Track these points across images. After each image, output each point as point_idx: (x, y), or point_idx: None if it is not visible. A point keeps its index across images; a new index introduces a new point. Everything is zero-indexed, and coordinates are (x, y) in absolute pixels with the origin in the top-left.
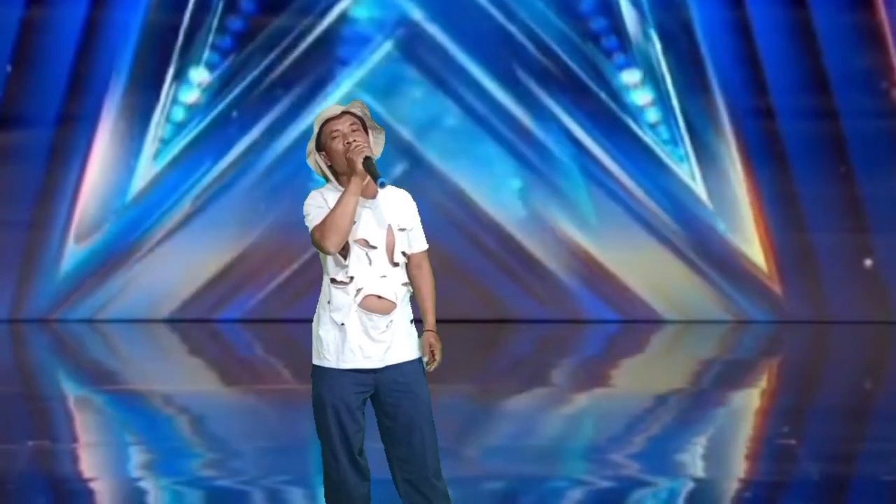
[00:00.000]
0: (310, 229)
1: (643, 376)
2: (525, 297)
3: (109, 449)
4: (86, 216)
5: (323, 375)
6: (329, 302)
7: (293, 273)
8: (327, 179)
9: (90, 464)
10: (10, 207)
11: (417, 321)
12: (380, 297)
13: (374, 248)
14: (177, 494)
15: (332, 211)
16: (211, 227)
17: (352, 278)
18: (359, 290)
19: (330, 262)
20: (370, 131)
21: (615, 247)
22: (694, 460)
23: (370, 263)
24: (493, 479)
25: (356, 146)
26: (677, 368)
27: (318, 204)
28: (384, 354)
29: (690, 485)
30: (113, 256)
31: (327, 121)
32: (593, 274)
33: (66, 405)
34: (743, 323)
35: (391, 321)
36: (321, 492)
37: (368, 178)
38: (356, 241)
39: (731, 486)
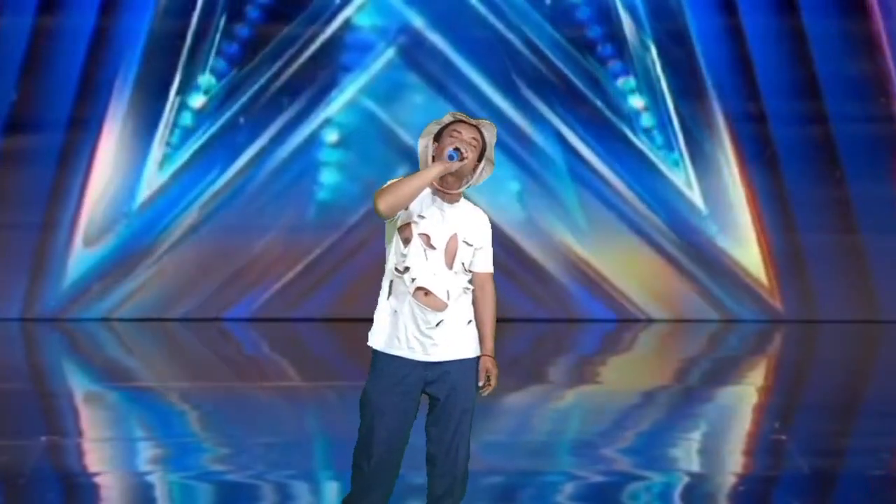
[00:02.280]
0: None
1: (637, 374)
2: (523, 297)
3: (119, 444)
4: (96, 218)
5: (376, 360)
6: (389, 287)
7: (297, 274)
8: (422, 166)
9: (100, 459)
10: (22, 210)
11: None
12: (428, 292)
13: (433, 248)
14: (185, 489)
15: (401, 179)
16: (217, 229)
17: (408, 268)
18: (413, 280)
19: (393, 249)
20: (484, 159)
21: (611, 248)
22: (687, 455)
23: (426, 259)
24: (492, 474)
25: (458, 143)
26: (670, 366)
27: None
28: (430, 350)
29: (684, 479)
30: (123, 257)
31: (458, 121)
32: (589, 274)
33: (77, 402)
34: (735, 322)
35: (441, 320)
36: (325, 486)
37: (456, 189)
38: (420, 235)
39: (725, 481)
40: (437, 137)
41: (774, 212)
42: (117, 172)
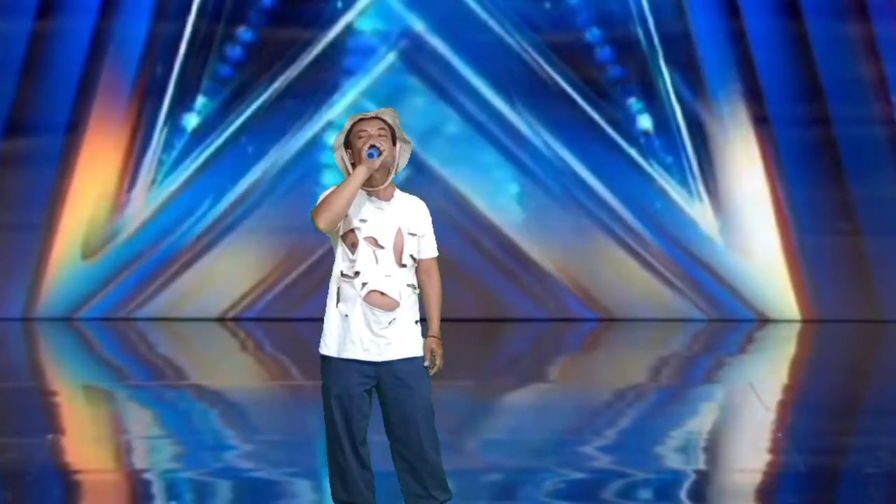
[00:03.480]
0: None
1: (635, 373)
2: (522, 297)
3: (124, 442)
4: (96, 219)
5: (328, 365)
6: (336, 293)
7: (300, 275)
8: (347, 174)
9: (104, 456)
10: (22, 211)
11: (423, 320)
12: (383, 293)
13: (381, 247)
14: (188, 486)
15: (332, 191)
16: (221, 230)
17: (357, 273)
18: (364, 285)
19: (340, 255)
20: (398, 142)
21: (608, 249)
22: (686, 453)
23: (377, 262)
24: (492, 471)
25: (370, 141)
26: (670, 365)
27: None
28: (384, 349)
29: (682, 476)
30: (124, 257)
31: (358, 121)
32: (587, 275)
33: (81, 400)
34: (736, 321)
35: (394, 318)
36: (328, 483)
37: (387, 183)
38: (365, 239)
39: (723, 478)
40: (348, 144)
41: (779, 213)
42: (116, 175)
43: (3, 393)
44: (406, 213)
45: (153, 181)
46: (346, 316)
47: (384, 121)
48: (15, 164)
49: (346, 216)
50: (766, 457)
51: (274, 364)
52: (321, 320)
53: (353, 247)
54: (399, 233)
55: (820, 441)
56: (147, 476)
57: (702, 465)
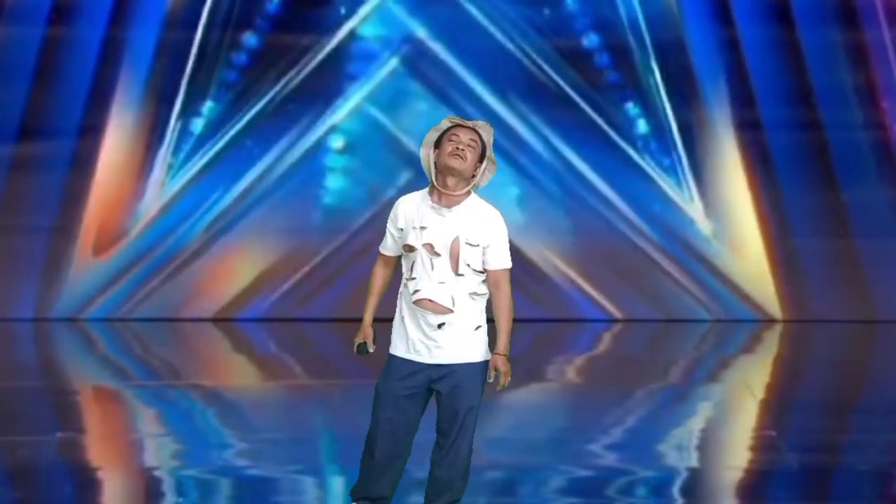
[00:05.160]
0: (379, 248)
1: (632, 372)
2: (521, 298)
3: (132, 440)
4: (106, 222)
5: (388, 363)
6: (399, 296)
7: (304, 276)
8: (428, 174)
9: (113, 454)
10: (34, 213)
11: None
12: (432, 301)
13: (437, 255)
14: (195, 483)
15: (372, 283)
16: (227, 232)
17: (413, 278)
18: (416, 291)
19: (403, 259)
20: (485, 160)
21: (606, 250)
22: (682, 451)
23: (432, 268)
24: (493, 469)
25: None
26: (666, 365)
27: (389, 224)
28: (434, 352)
29: (679, 474)
30: (134, 259)
31: (456, 126)
32: (586, 276)
33: (90, 399)
34: (731, 322)
35: (444, 322)
36: (332, 480)
37: (458, 190)
38: (424, 245)
39: (719, 475)
40: (438, 144)
41: (771, 216)
42: (126, 178)
43: (12, 392)
44: (468, 223)
45: (164, 183)
46: (403, 318)
47: (479, 134)
48: (28, 167)
49: (406, 223)
50: (760, 455)
51: (278, 364)
52: (326, 321)
53: (411, 252)
54: (456, 241)
55: (813, 439)
56: (155, 474)
57: (699, 464)
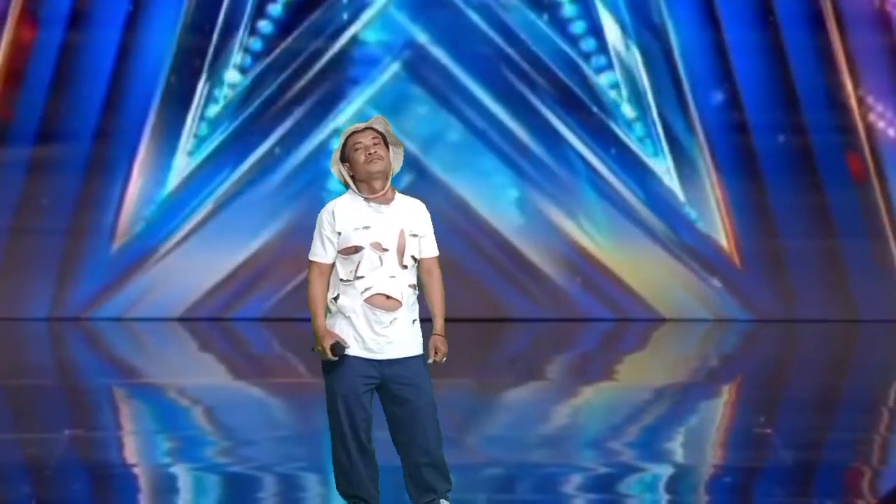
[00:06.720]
0: (309, 257)
1: (629, 371)
2: (521, 298)
3: (139, 437)
4: (118, 224)
5: (331, 365)
6: (337, 298)
7: (306, 277)
8: (347, 187)
9: (121, 451)
10: (51, 216)
11: (425, 320)
12: (388, 296)
13: (385, 250)
14: (199, 479)
15: (314, 300)
16: (230, 234)
17: (360, 277)
18: (367, 289)
19: (339, 263)
20: (391, 147)
21: (605, 250)
22: (677, 448)
23: (381, 264)
24: (493, 466)
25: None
26: (661, 364)
27: (324, 230)
28: (384, 348)
29: (674, 471)
30: (144, 261)
31: (351, 134)
32: (584, 276)
33: (100, 397)
34: (720, 321)
35: (395, 318)
36: (333, 477)
37: (386, 188)
38: (371, 245)
39: (712, 472)
40: (344, 158)
41: (756, 217)
42: (141, 181)
43: (23, 390)
44: (407, 215)
45: (176, 185)
46: (349, 317)
47: (376, 130)
48: (45, 170)
49: (345, 227)
50: (753, 452)
51: (280, 362)
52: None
53: (355, 252)
54: (402, 234)
55: (805, 436)
56: (162, 471)
57: (691, 461)
